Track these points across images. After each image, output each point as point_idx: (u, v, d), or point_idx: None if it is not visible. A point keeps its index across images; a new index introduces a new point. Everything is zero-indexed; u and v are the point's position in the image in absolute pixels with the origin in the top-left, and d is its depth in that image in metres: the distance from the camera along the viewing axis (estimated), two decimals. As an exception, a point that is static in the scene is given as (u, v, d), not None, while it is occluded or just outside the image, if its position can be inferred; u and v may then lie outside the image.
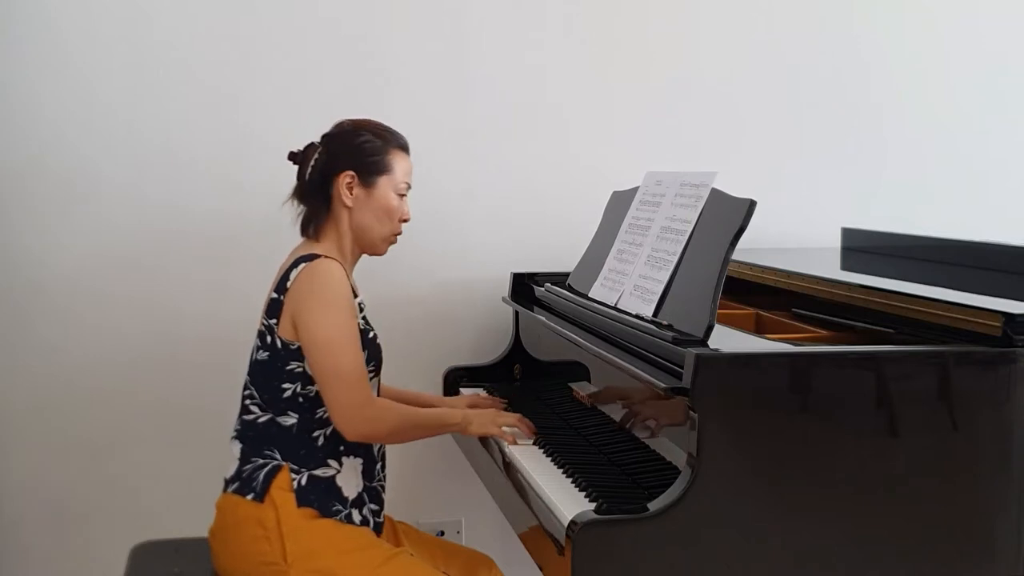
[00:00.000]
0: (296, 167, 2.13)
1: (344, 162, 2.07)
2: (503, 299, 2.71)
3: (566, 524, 1.62)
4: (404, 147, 2.14)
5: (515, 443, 2.12)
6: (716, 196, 1.99)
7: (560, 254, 2.77)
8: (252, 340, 2.56)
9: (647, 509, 1.61)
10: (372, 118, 2.15)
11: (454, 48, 2.82)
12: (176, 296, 2.71)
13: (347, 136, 2.10)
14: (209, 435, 2.68)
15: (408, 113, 2.76)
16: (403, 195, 2.12)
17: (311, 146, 2.12)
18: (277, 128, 2.72)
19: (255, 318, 2.64)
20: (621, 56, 2.93)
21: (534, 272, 2.73)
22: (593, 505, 1.71)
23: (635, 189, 2.33)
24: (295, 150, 2.13)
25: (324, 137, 2.13)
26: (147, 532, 2.28)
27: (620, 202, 2.39)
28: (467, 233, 2.86)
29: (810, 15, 3.06)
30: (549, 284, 2.50)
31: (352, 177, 2.07)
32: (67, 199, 2.64)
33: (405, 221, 2.14)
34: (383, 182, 2.09)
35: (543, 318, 2.38)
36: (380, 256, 2.17)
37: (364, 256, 2.18)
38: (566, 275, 2.50)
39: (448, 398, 2.50)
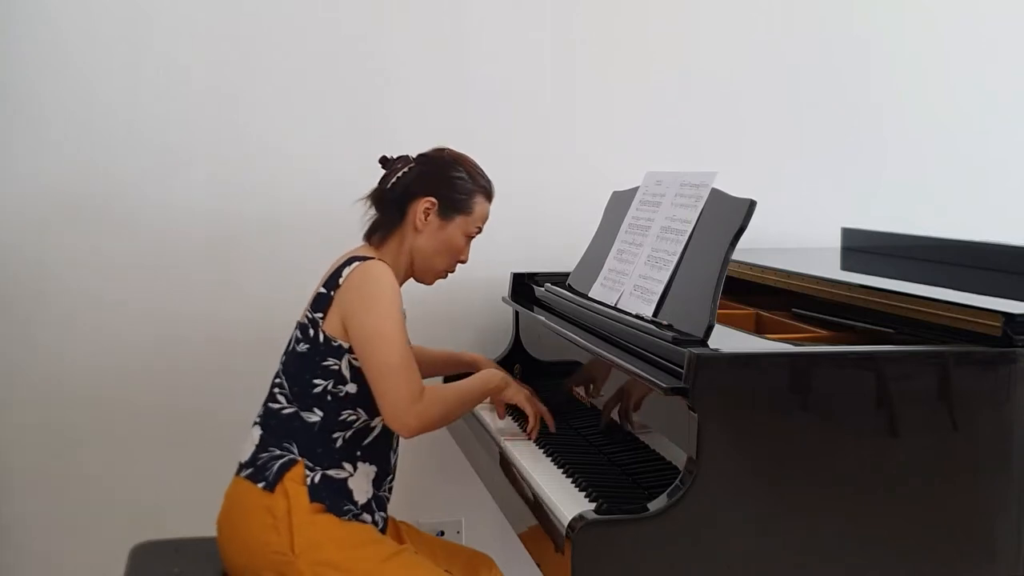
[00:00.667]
0: (382, 171, 2.15)
1: (430, 187, 2.11)
2: (503, 299, 2.71)
3: (566, 524, 1.62)
4: (490, 195, 2.19)
5: (530, 435, 2.15)
6: (716, 196, 1.99)
7: (560, 254, 2.77)
8: (252, 340, 2.56)
9: (647, 509, 1.61)
10: (472, 157, 2.18)
11: (454, 48, 2.82)
12: (176, 297, 2.71)
13: (443, 164, 2.14)
14: (209, 435, 2.69)
15: (408, 113, 2.77)
16: (471, 238, 2.17)
17: (404, 158, 2.15)
18: (277, 128, 2.73)
19: (255, 318, 2.64)
20: (621, 56, 2.93)
21: (534, 272, 2.73)
22: (593, 505, 1.72)
23: (635, 189, 2.33)
24: (388, 155, 2.16)
25: (420, 156, 2.16)
26: (147, 532, 2.28)
27: (620, 202, 2.39)
28: (467, 233, 2.86)
29: (810, 15, 3.06)
30: (549, 284, 2.50)
31: (432, 204, 2.10)
32: (66, 200, 2.64)
33: (462, 262, 2.18)
34: (459, 221, 2.13)
35: (543, 318, 2.38)
36: (426, 286, 2.20)
37: None
38: (566, 275, 2.50)
39: (487, 361, 2.47)
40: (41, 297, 2.65)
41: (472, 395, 2.14)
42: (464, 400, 2.11)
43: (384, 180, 2.14)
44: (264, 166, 2.73)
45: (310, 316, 2.04)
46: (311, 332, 2.03)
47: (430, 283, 2.20)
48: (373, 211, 2.15)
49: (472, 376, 2.20)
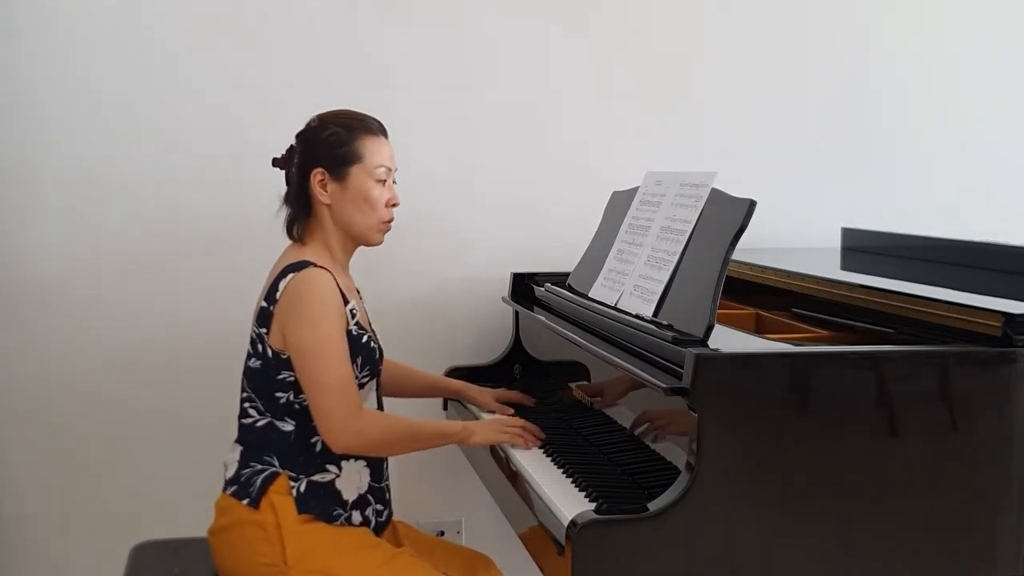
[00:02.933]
0: (283, 172, 2.10)
1: (312, 159, 2.04)
2: (503, 299, 2.71)
3: (566, 524, 1.62)
4: (375, 131, 2.07)
5: (528, 447, 2.11)
6: (716, 196, 1.99)
7: (560, 254, 2.77)
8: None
9: (647, 509, 1.61)
10: (344, 108, 2.11)
11: (455, 48, 2.82)
12: (175, 299, 2.71)
13: (314, 132, 2.06)
14: (209, 435, 2.68)
15: (409, 112, 2.77)
16: (383, 180, 2.06)
17: (291, 148, 2.09)
18: (277, 129, 2.71)
19: (254, 320, 2.62)
20: (622, 56, 2.93)
21: (534, 272, 2.73)
22: (593, 505, 1.71)
23: (635, 189, 2.33)
24: (279, 155, 2.10)
25: (296, 136, 2.10)
26: (147, 532, 2.28)
27: (620, 202, 2.39)
28: (467, 233, 2.86)
29: (811, 15, 3.06)
30: (549, 284, 2.50)
31: (323, 174, 2.03)
32: (66, 202, 2.64)
33: (394, 206, 2.09)
34: (355, 172, 2.03)
35: (543, 318, 2.38)
36: (377, 246, 2.12)
37: (360, 255, 2.16)
38: (566, 275, 2.50)
39: (473, 387, 2.46)
40: (41, 298, 2.65)
41: (422, 435, 2.09)
42: (414, 436, 2.06)
43: (287, 177, 2.09)
44: (264, 167, 2.71)
45: (256, 331, 2.01)
46: (260, 347, 2.00)
47: (379, 242, 2.10)
48: (287, 210, 2.09)
49: (435, 421, 2.21)
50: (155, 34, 2.65)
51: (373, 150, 2.06)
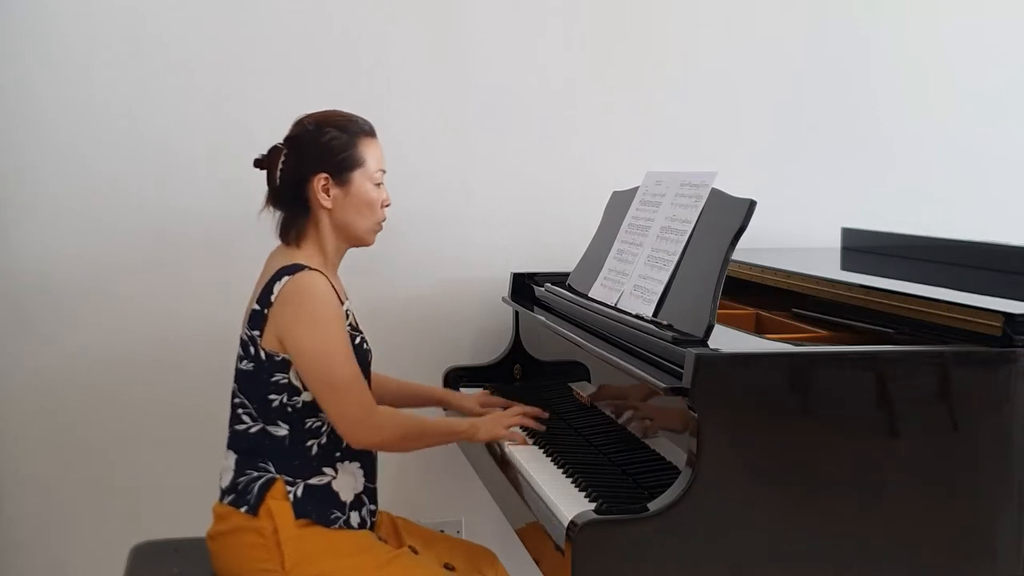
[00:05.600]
0: (264, 172, 2.07)
1: (314, 164, 2.01)
2: (503, 299, 2.71)
3: (566, 524, 1.62)
4: (371, 133, 2.07)
5: (525, 443, 2.12)
6: (716, 196, 1.99)
7: (560, 254, 2.77)
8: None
9: (647, 509, 1.61)
10: (332, 108, 2.10)
11: (455, 48, 2.82)
12: (175, 297, 2.71)
13: (311, 136, 2.03)
14: (209, 436, 2.67)
15: (408, 113, 2.77)
16: (380, 183, 2.07)
17: (275, 150, 2.05)
18: (277, 128, 2.72)
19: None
20: (622, 55, 2.93)
21: (534, 272, 2.73)
22: (593, 505, 1.72)
23: (635, 189, 2.33)
24: (260, 156, 2.07)
25: (287, 139, 2.06)
26: (147, 532, 2.28)
27: (620, 202, 2.39)
28: (467, 233, 2.86)
29: (811, 14, 3.06)
30: (549, 284, 2.50)
31: (326, 179, 2.01)
32: (66, 200, 2.64)
33: (387, 207, 2.10)
34: (358, 176, 2.03)
35: (543, 318, 2.38)
36: (369, 246, 2.12)
37: (361, 255, 2.16)
38: (566, 275, 2.50)
39: (457, 393, 2.47)
40: (41, 298, 2.65)
41: (434, 431, 2.11)
42: (424, 432, 2.07)
43: (270, 179, 2.05)
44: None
45: (248, 334, 1.99)
46: (252, 350, 1.99)
47: (372, 243, 2.10)
48: (278, 213, 2.06)
49: (443, 418, 2.23)
50: (155, 33, 2.64)
51: (373, 153, 2.06)
